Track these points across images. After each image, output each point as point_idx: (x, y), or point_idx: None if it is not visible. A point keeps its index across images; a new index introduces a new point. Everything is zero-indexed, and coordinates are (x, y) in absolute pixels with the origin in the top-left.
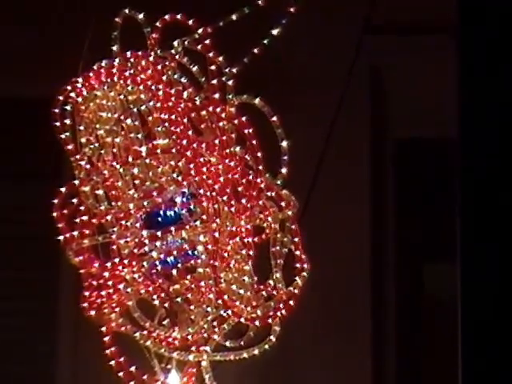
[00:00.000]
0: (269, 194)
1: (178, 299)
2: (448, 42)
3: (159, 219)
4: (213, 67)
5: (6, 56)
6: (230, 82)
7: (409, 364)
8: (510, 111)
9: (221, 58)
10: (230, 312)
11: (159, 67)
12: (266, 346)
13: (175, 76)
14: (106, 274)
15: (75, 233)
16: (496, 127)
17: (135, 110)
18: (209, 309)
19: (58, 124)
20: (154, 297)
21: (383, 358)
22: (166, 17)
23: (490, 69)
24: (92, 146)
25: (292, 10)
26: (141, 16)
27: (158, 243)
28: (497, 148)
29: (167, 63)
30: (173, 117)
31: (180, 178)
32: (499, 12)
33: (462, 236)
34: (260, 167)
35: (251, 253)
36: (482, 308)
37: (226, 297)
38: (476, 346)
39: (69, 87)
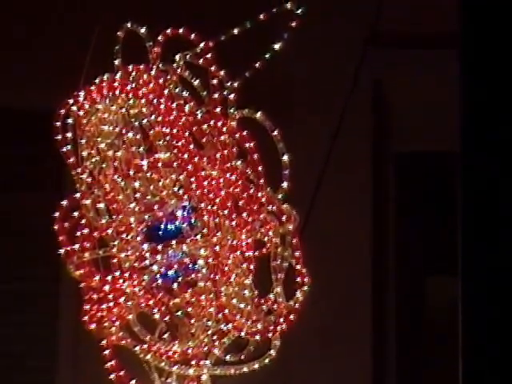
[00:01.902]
0: (270, 208)
1: (179, 313)
2: (449, 55)
3: (160, 233)
4: (214, 81)
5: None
6: (232, 96)
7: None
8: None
9: (222, 72)
10: (230, 326)
11: (161, 81)
12: (267, 361)
13: (177, 90)
14: (107, 288)
15: (76, 246)
16: (497, 140)
17: (137, 123)
18: (209, 323)
19: (59, 137)
20: (155, 310)
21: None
22: (168, 31)
23: (491, 81)
24: (93, 160)
25: (293, 24)
26: (143, 30)
27: (158, 257)
28: (498, 160)
29: (169, 77)
30: (174, 131)
31: (181, 192)
32: (501, 25)
33: (463, 248)
34: (261, 181)
35: (252, 267)
36: (483, 317)
37: (226, 311)
38: (477, 355)
39: (70, 101)
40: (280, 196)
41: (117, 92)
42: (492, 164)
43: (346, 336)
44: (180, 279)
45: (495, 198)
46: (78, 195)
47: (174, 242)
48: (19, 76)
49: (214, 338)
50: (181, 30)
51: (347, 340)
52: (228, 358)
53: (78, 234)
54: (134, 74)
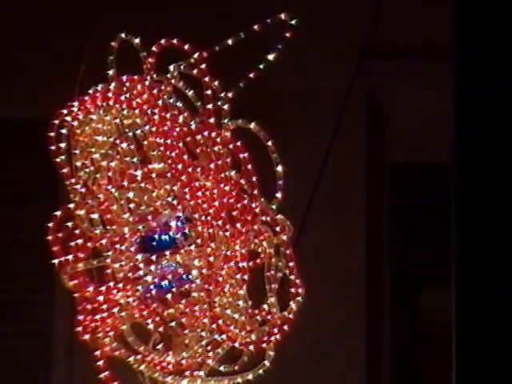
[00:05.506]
0: (264, 218)
1: (173, 323)
2: (445, 66)
3: (154, 243)
4: (208, 92)
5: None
6: (226, 107)
7: None
8: (507, 136)
9: (216, 83)
10: (224, 336)
11: (155, 91)
12: (261, 371)
13: (171, 100)
14: (101, 298)
15: (70, 256)
16: (493, 152)
17: (131, 134)
18: (203, 333)
19: (53, 147)
20: (149, 321)
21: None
22: (162, 41)
23: (487, 94)
24: (87, 170)
25: (288, 35)
26: (137, 40)
27: (152, 267)
28: (493, 173)
29: (163, 87)
30: (168, 141)
31: (175, 202)
32: (497, 37)
33: (457, 261)
34: (255, 192)
35: (246, 277)
36: (478, 330)
37: (220, 321)
38: (474, 367)
39: (64, 111)
40: (274, 206)
41: (111, 102)
42: (488, 175)
43: (342, 350)
44: (174, 290)
45: (490, 209)
46: (71, 205)
47: (167, 252)
48: (13, 88)
49: (208, 348)
50: (175, 41)
51: (342, 354)
52: (222, 368)
53: (72, 244)
54: (128, 84)
